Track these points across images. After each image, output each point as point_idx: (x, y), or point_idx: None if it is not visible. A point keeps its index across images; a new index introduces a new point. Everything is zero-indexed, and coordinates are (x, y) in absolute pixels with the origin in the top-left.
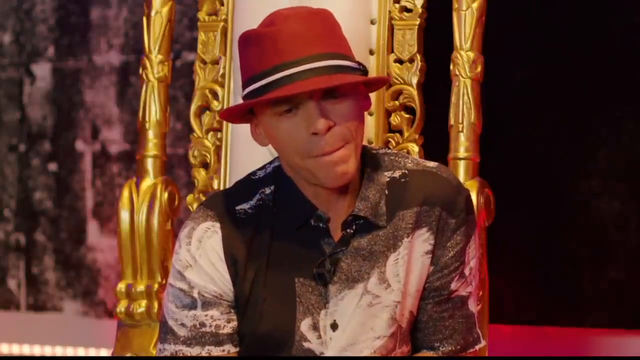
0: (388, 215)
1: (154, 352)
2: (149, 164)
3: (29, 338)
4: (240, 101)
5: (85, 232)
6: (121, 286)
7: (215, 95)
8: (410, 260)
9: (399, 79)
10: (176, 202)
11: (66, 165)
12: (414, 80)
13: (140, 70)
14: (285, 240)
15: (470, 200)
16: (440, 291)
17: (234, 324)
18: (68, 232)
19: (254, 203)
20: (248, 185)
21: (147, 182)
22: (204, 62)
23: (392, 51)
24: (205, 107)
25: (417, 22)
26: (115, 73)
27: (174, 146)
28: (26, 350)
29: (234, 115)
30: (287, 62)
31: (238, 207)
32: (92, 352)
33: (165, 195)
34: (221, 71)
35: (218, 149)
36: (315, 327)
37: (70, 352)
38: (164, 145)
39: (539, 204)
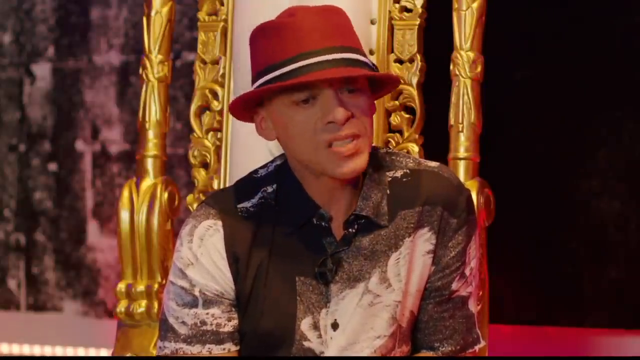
0: (390, 214)
1: (154, 352)
2: (149, 164)
3: (29, 338)
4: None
5: (85, 232)
6: (121, 286)
7: (215, 95)
8: (411, 260)
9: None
10: (176, 202)
11: (66, 165)
12: (414, 80)
13: (140, 70)
14: (287, 238)
15: (472, 201)
16: (441, 291)
17: (235, 322)
18: (68, 232)
19: (255, 201)
20: (250, 183)
21: (147, 182)
22: (204, 62)
23: (392, 51)
24: (205, 107)
25: (417, 22)
26: (115, 73)
27: (174, 146)
28: (26, 350)
29: (245, 104)
30: (308, 52)
31: (240, 206)
32: (92, 352)
33: (165, 195)
34: (221, 71)
35: (218, 149)
36: (315, 327)
37: (70, 352)
38: (164, 145)
39: (539, 204)
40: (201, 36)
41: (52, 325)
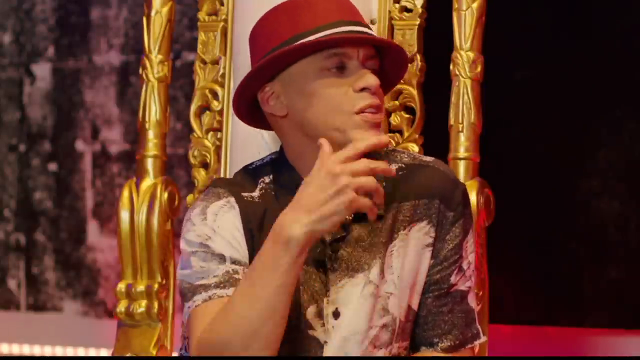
0: (386, 206)
1: (154, 352)
2: (149, 164)
3: (29, 338)
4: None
5: (85, 232)
6: (121, 286)
7: (215, 95)
8: (405, 253)
9: None
10: (176, 202)
11: (66, 165)
12: (414, 80)
13: (140, 70)
14: None
15: (467, 194)
16: (440, 284)
17: None
18: (68, 232)
19: (257, 194)
20: (247, 174)
21: (147, 182)
22: (204, 62)
23: None
24: (205, 107)
25: (417, 22)
26: (115, 73)
27: (174, 146)
28: (26, 350)
29: (261, 73)
30: (337, 21)
31: (244, 194)
32: (92, 352)
33: (165, 195)
34: (221, 71)
35: (218, 149)
36: (319, 315)
37: (70, 352)
38: (164, 145)
39: (539, 204)
40: (201, 36)
41: (52, 325)
